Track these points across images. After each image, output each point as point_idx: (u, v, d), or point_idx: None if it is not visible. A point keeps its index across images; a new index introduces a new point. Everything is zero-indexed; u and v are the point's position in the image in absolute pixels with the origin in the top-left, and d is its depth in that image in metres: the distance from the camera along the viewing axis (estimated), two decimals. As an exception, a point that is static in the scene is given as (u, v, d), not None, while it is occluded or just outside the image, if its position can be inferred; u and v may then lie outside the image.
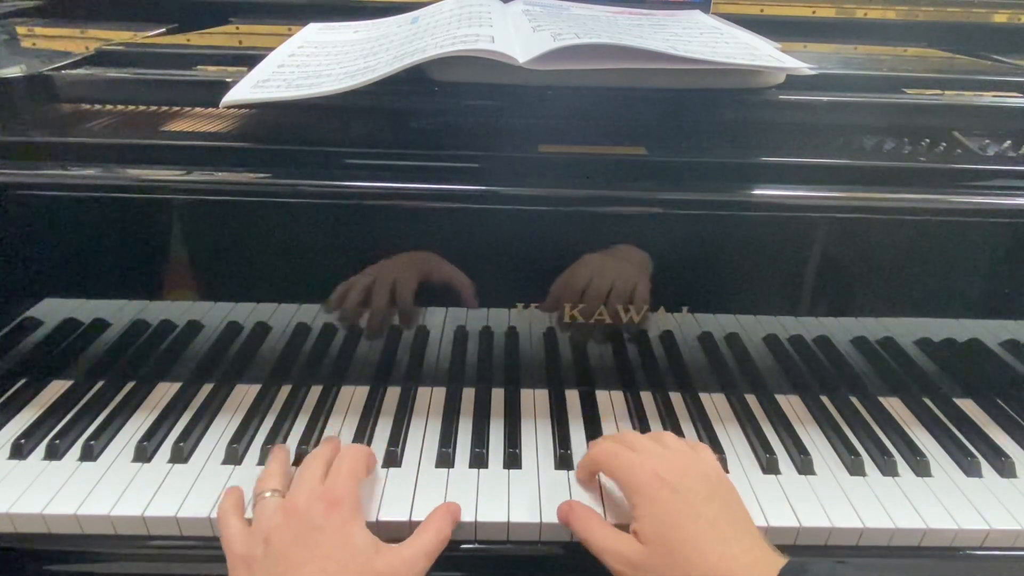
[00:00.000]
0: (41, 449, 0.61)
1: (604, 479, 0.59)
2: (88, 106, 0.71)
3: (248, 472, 0.60)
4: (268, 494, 0.53)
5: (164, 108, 0.72)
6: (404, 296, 0.65)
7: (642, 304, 0.65)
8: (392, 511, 0.56)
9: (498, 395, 0.70)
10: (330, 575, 0.47)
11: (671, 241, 0.64)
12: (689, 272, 0.66)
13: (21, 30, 0.93)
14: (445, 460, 0.62)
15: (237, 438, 0.63)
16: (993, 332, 0.68)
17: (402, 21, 0.78)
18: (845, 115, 0.69)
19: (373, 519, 0.55)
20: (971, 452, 0.64)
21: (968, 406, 0.71)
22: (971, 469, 0.62)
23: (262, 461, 0.61)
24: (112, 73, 0.70)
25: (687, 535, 0.49)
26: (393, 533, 0.53)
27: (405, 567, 0.50)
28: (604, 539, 0.52)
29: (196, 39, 0.89)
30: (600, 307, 0.66)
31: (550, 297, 0.65)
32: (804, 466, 0.62)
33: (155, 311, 0.67)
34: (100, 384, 0.69)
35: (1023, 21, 1.06)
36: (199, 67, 0.74)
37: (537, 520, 0.56)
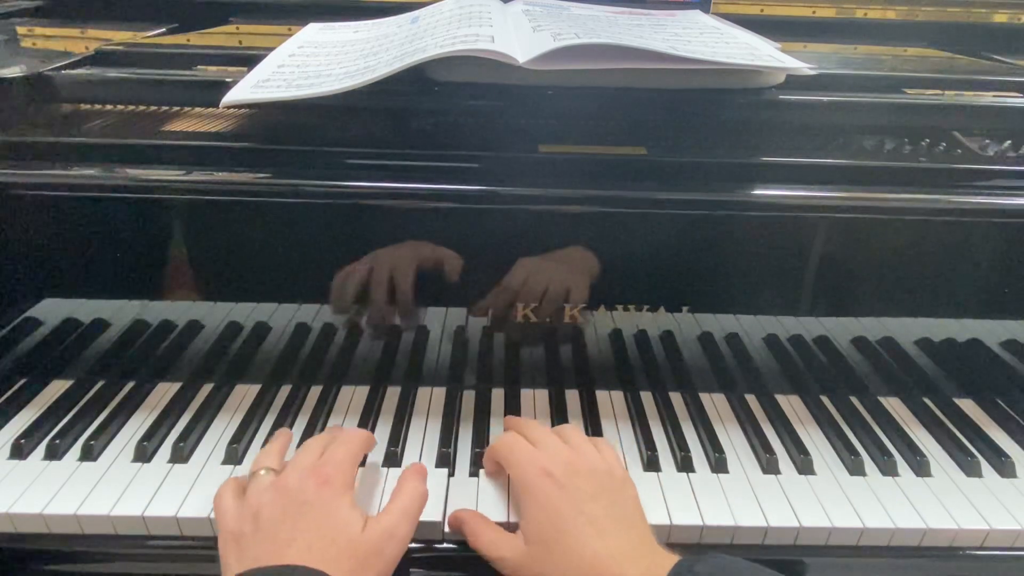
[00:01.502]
0: (41, 449, 0.61)
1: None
2: (88, 106, 0.71)
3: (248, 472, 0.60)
4: (263, 472, 0.53)
5: (164, 108, 0.72)
6: (404, 293, 0.65)
7: (640, 304, 0.66)
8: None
9: (498, 395, 0.70)
10: (316, 551, 0.47)
11: (671, 241, 0.64)
12: (689, 272, 0.66)
13: (21, 30, 0.93)
14: (445, 460, 0.62)
15: (237, 438, 0.63)
16: (993, 332, 0.68)
17: (402, 21, 0.78)
18: (845, 115, 0.69)
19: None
20: (971, 452, 0.64)
21: (968, 406, 0.71)
22: (971, 469, 0.62)
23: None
24: (112, 73, 0.70)
25: (567, 533, 0.49)
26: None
27: (385, 535, 0.49)
28: (490, 546, 0.52)
29: (196, 39, 0.89)
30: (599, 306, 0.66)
31: (547, 298, 0.65)
32: (804, 466, 0.62)
33: (155, 311, 0.67)
34: (100, 384, 0.69)
35: (1023, 21, 1.06)
36: (199, 67, 0.74)
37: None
